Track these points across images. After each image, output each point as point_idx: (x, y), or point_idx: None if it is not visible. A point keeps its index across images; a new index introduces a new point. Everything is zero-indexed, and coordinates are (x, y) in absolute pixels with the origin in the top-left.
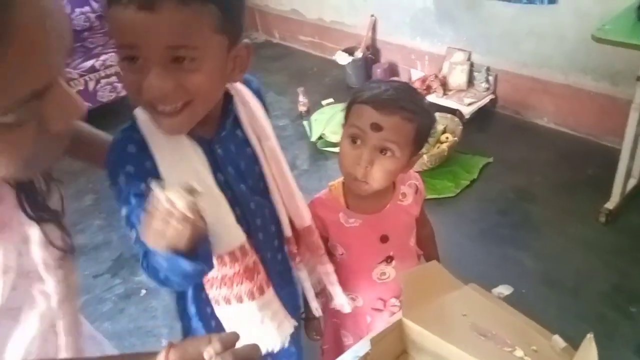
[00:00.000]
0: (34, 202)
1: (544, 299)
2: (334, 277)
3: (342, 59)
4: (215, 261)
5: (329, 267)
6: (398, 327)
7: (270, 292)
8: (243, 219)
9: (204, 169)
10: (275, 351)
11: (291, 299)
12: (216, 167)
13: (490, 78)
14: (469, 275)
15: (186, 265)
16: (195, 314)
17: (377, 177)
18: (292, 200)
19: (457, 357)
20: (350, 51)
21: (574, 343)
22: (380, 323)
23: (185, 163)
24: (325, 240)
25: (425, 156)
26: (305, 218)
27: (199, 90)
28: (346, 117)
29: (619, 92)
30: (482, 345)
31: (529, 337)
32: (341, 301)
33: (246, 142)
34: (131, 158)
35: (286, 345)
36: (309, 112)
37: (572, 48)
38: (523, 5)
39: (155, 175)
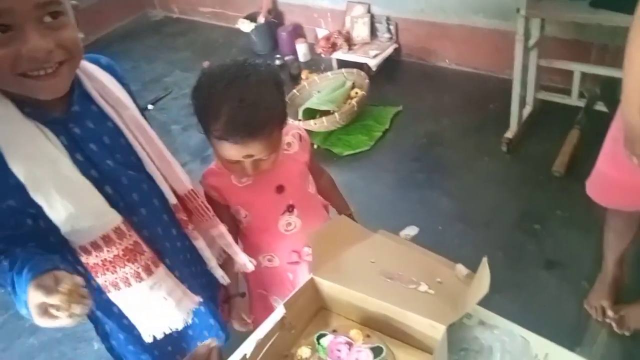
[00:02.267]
0: None
1: (459, 235)
2: (229, 238)
3: (246, 26)
4: (90, 247)
5: (222, 228)
6: (310, 286)
7: (160, 271)
8: (117, 197)
9: (58, 153)
10: (179, 329)
11: (200, 276)
12: (75, 147)
13: (392, 28)
14: (389, 223)
15: None
16: (94, 305)
17: (264, 170)
18: (169, 167)
19: (367, 303)
20: (252, 17)
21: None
22: (302, 277)
23: (35, 151)
24: (228, 208)
25: (336, 114)
26: (186, 183)
27: (75, 44)
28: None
29: (509, 27)
30: (389, 288)
31: (435, 271)
32: (242, 260)
33: (105, 116)
34: None
35: (189, 321)
36: None
37: None
38: None
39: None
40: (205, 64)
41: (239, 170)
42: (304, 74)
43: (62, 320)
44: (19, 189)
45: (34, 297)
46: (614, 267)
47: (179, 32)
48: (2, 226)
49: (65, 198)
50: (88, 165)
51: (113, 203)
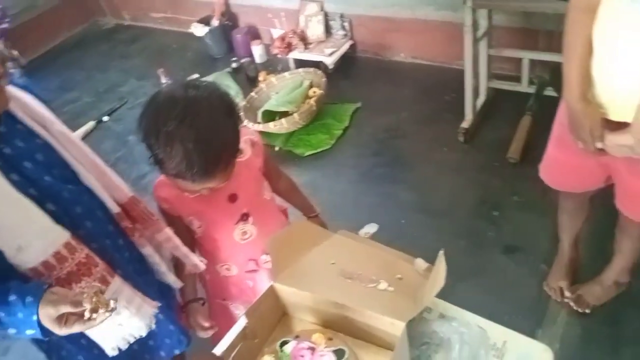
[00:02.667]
0: None
1: (421, 226)
2: (176, 240)
3: (199, 30)
4: (41, 267)
5: (168, 231)
6: (271, 293)
7: (116, 281)
8: (60, 212)
9: None
10: (142, 335)
11: (153, 284)
12: (8, 167)
13: (346, 24)
14: (353, 219)
15: None
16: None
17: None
18: (105, 177)
19: (328, 305)
20: (206, 21)
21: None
22: (262, 284)
23: None
24: (179, 219)
25: (296, 115)
26: (125, 190)
27: None
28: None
29: (459, 18)
30: (349, 288)
31: (394, 268)
32: (193, 260)
33: (33, 133)
34: None
35: (153, 326)
36: None
37: None
38: None
39: None
40: (160, 71)
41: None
42: (261, 76)
43: (91, 322)
44: None
45: (51, 312)
46: (570, 248)
47: (131, 39)
48: None
49: (8, 220)
50: (26, 184)
51: (58, 219)
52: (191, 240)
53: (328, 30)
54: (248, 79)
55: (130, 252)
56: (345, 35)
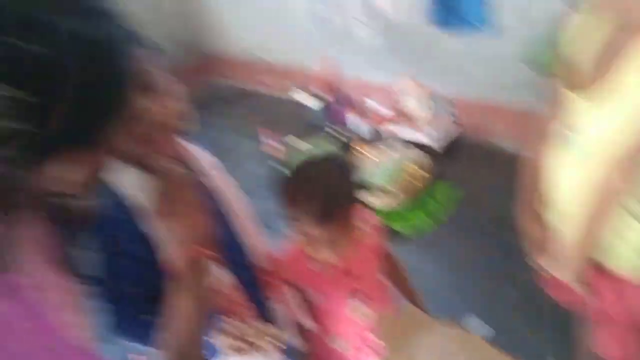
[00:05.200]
0: None
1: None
2: (296, 302)
3: (303, 97)
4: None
5: (290, 294)
6: None
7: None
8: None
9: None
10: None
11: None
12: None
13: (455, 108)
14: (447, 308)
15: None
16: None
17: (336, 252)
18: (253, 232)
19: None
20: (308, 90)
21: None
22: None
23: None
24: (295, 287)
25: (396, 192)
26: (267, 249)
27: None
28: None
29: None
30: None
31: None
32: (308, 325)
33: (201, 185)
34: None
35: None
36: (272, 153)
37: (526, 75)
38: (472, 36)
39: None
40: (261, 130)
41: (312, 250)
42: (360, 148)
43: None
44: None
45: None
46: None
47: (235, 100)
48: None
49: None
50: None
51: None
52: (305, 309)
53: (436, 111)
54: (345, 148)
55: (262, 306)
56: (453, 118)
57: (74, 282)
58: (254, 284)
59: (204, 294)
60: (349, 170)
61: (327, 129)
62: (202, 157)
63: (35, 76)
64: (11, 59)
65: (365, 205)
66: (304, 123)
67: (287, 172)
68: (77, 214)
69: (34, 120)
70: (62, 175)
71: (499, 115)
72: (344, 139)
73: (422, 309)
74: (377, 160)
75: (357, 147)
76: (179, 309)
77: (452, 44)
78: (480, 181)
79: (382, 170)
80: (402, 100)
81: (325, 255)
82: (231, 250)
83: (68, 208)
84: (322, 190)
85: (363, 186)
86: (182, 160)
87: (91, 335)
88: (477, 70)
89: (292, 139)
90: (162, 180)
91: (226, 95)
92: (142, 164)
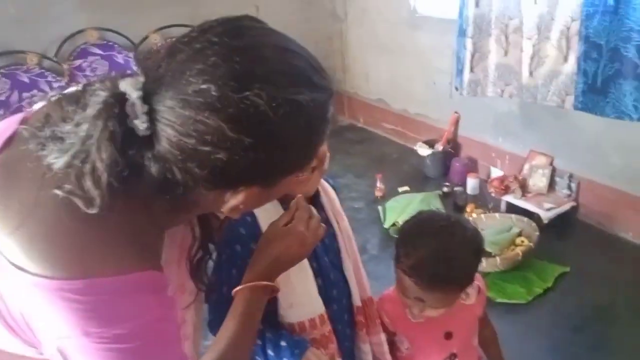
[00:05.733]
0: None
1: None
2: (385, 347)
3: (423, 150)
4: (297, 326)
5: (382, 337)
6: None
7: None
8: (323, 290)
9: None
10: None
11: None
12: None
13: (573, 185)
14: None
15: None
16: None
17: (430, 315)
18: (359, 273)
19: None
20: (430, 143)
21: None
22: None
23: None
24: (392, 334)
25: (498, 258)
26: (367, 290)
27: None
28: (395, 259)
29: None
30: None
31: None
32: None
33: (328, 222)
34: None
35: None
36: (384, 198)
37: None
38: (611, 119)
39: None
40: (377, 175)
41: (408, 303)
42: (469, 208)
43: None
44: None
45: None
46: None
47: (359, 140)
48: None
49: (294, 280)
50: (312, 258)
51: (320, 294)
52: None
53: (552, 185)
54: (455, 207)
55: (350, 343)
56: (570, 195)
57: (199, 286)
58: (345, 320)
59: (252, 322)
60: (477, 238)
61: (444, 188)
62: (326, 189)
63: (255, 123)
64: (246, 106)
65: None
66: (422, 177)
67: (410, 222)
68: (217, 231)
69: (235, 153)
70: (234, 205)
71: (626, 205)
72: (460, 201)
73: None
74: (484, 221)
75: (467, 209)
76: (226, 329)
77: (595, 125)
78: (590, 265)
79: (487, 234)
80: (524, 170)
81: (427, 313)
82: (330, 281)
83: (212, 225)
84: (451, 255)
85: (483, 255)
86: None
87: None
88: (613, 154)
89: (404, 190)
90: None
91: (349, 134)
92: (283, 199)
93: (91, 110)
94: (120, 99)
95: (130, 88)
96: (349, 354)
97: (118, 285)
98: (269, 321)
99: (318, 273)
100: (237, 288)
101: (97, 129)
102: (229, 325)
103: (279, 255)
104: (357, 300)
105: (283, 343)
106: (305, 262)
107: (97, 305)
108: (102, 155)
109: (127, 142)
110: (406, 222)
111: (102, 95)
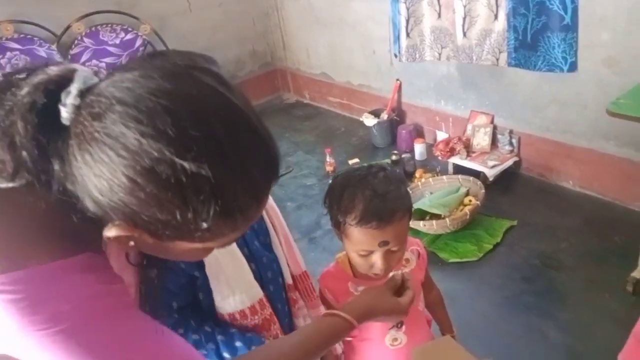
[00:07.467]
0: None
1: None
2: None
3: (369, 120)
4: (237, 315)
5: (322, 310)
6: None
7: None
8: (258, 274)
9: None
10: None
11: None
12: None
13: (514, 141)
14: (490, 345)
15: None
16: None
17: (390, 268)
18: (290, 249)
19: None
20: (376, 113)
21: None
22: None
23: None
24: (331, 307)
25: (447, 219)
26: (301, 264)
27: None
28: (339, 234)
29: None
30: None
31: None
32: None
33: None
34: None
35: None
36: (335, 172)
37: (594, 116)
38: (544, 73)
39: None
40: (327, 149)
41: (366, 266)
42: (418, 173)
43: None
44: (200, 263)
45: None
46: None
47: (306, 116)
48: (180, 298)
49: (227, 270)
50: (242, 244)
51: (255, 279)
52: None
53: (494, 142)
54: (405, 174)
55: (289, 320)
56: (512, 151)
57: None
58: (283, 298)
59: (326, 348)
60: (403, 179)
61: (393, 156)
62: None
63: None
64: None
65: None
66: (370, 147)
67: (334, 183)
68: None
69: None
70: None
71: (563, 154)
72: (409, 167)
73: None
74: (432, 185)
75: (417, 175)
76: (301, 344)
77: (530, 80)
78: (535, 216)
79: (435, 197)
80: (467, 131)
81: (377, 266)
82: (263, 264)
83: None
84: (384, 189)
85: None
86: None
87: None
88: (548, 107)
89: (354, 162)
90: None
91: (297, 111)
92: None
93: (26, 89)
94: (59, 81)
95: (82, 78)
96: (290, 329)
97: (53, 270)
98: (209, 314)
99: (250, 258)
100: (332, 311)
101: (25, 102)
102: (304, 341)
103: (378, 316)
104: (288, 278)
105: (238, 343)
106: (237, 250)
107: (31, 293)
108: (22, 123)
109: (47, 124)
110: (331, 187)
111: (41, 77)
